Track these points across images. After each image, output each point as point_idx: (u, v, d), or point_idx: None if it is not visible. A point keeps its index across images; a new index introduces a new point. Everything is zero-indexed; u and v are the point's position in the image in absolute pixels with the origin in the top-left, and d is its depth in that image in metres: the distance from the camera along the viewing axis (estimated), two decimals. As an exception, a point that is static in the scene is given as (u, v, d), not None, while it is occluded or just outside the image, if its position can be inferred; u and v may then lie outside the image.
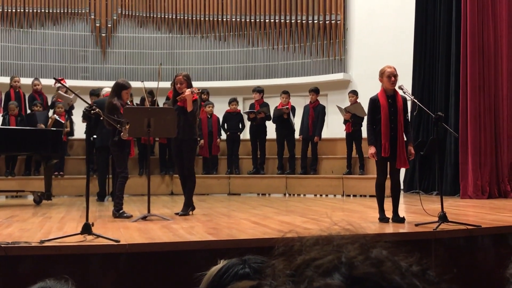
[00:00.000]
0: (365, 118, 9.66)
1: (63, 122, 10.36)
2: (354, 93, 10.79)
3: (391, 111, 5.90)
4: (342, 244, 0.66)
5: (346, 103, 10.96)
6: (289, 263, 0.66)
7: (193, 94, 6.87)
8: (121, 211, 6.64)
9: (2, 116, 10.66)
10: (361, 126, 10.20)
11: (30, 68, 13.77)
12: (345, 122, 10.54)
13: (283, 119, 10.80)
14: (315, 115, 10.87)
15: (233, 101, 11.40)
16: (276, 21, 14.21)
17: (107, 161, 9.14)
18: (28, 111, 10.94)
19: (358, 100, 10.43)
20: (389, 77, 5.91)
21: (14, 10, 13.84)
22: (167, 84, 12.73)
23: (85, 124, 9.45)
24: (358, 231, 0.74)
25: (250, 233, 5.03)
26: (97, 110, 5.29)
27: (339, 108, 10.71)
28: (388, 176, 6.14)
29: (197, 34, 14.64)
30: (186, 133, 6.90)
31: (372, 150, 5.95)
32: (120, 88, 6.89)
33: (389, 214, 5.95)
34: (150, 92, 11.34)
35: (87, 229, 4.68)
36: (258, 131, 11.08)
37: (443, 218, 5.32)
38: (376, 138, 5.96)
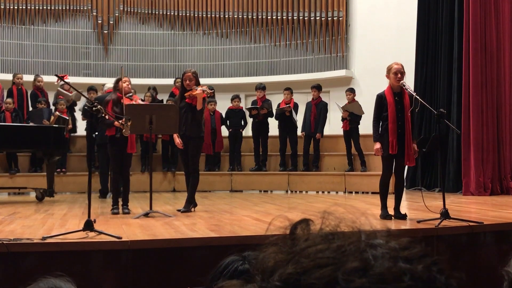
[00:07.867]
0: (363, 116, 9.67)
1: (67, 118, 10.32)
2: (352, 91, 10.72)
3: (398, 108, 5.89)
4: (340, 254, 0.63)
5: (346, 101, 10.95)
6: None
7: (204, 92, 6.85)
8: (111, 208, 6.80)
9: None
10: (358, 124, 10.24)
11: (32, 65, 13.77)
12: (343, 119, 10.54)
13: (285, 116, 10.79)
14: (317, 112, 10.85)
15: (235, 98, 11.39)
16: (278, 17, 14.18)
17: (108, 158, 9.13)
18: (31, 108, 10.93)
19: (361, 97, 10.40)
20: (395, 73, 5.89)
21: (16, 7, 13.84)
22: (169, 81, 12.78)
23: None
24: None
25: (252, 230, 5.04)
26: (98, 106, 5.29)
27: (338, 106, 10.72)
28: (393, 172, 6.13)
29: (199, 31, 14.63)
30: (193, 130, 6.91)
31: (377, 146, 5.94)
32: (116, 82, 7.00)
33: (390, 211, 5.94)
34: (154, 88, 11.34)
35: (89, 225, 4.68)
36: (260, 128, 11.05)
37: (445, 214, 5.32)
38: (382, 134, 5.95)
